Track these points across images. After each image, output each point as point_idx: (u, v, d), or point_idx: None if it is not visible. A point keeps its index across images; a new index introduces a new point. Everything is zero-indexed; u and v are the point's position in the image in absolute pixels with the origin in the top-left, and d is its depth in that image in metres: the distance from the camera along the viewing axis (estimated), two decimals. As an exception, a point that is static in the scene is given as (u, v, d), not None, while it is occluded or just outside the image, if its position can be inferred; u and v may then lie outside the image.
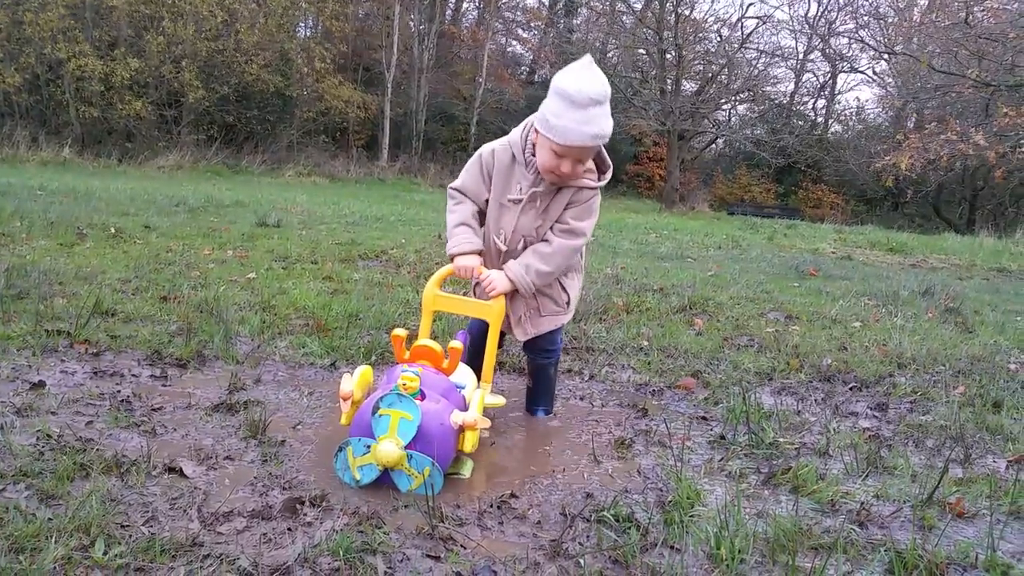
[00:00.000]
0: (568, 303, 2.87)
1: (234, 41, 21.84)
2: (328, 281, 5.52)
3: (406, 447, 2.18)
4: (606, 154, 2.69)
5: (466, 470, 2.42)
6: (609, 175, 2.71)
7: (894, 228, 21.74)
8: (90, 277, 4.90)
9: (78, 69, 19.52)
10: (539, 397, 3.07)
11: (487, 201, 2.76)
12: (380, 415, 2.19)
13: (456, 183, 2.80)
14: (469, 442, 2.35)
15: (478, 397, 2.49)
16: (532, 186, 2.63)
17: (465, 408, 2.47)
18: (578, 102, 2.40)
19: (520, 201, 2.66)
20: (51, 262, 5.21)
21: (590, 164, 2.66)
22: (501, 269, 2.72)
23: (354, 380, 2.39)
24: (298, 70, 23.82)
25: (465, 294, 3.10)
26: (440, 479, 2.20)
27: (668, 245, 10.82)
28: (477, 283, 2.84)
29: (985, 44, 16.42)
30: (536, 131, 2.55)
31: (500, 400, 2.89)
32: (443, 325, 4.21)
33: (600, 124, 2.44)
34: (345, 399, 2.36)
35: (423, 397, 2.29)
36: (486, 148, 2.75)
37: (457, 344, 2.52)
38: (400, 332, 2.49)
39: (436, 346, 2.55)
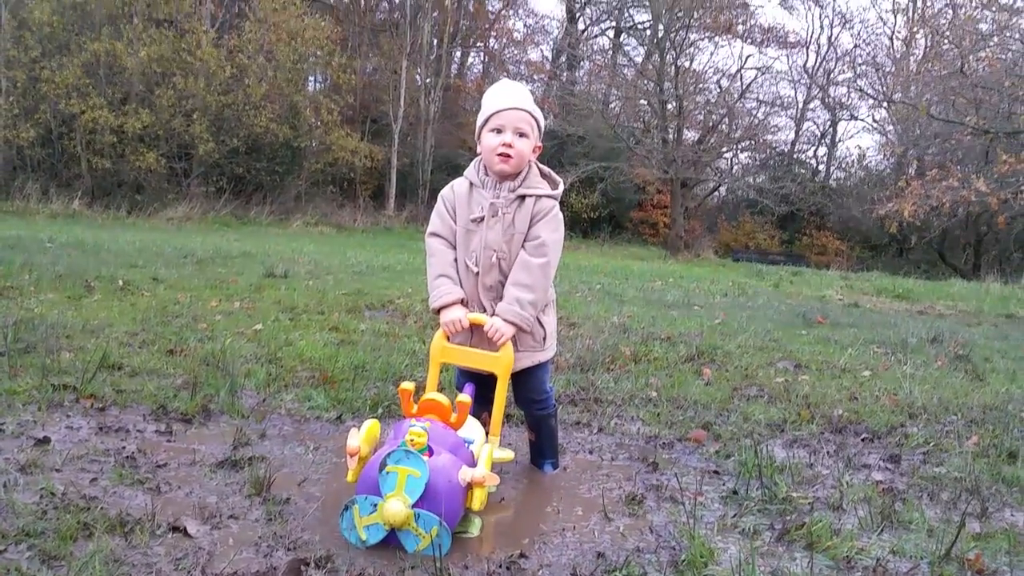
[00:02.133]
0: (545, 338, 2.85)
1: (243, 95, 22.23)
2: (335, 332, 5.52)
3: (413, 505, 2.14)
4: (553, 173, 2.86)
5: (474, 528, 2.38)
6: (561, 187, 2.84)
7: (900, 274, 21.76)
8: (97, 330, 4.90)
9: (91, 122, 19.85)
10: (544, 451, 3.03)
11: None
12: (387, 472, 2.16)
13: (429, 228, 2.87)
14: (478, 500, 2.31)
15: (486, 453, 2.46)
16: (492, 199, 2.73)
17: (474, 464, 2.44)
18: (498, 90, 2.78)
19: (482, 219, 2.73)
20: (58, 315, 5.23)
21: (544, 182, 2.79)
22: (478, 294, 2.75)
23: (361, 435, 2.36)
24: (306, 122, 24.18)
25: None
26: (448, 539, 2.16)
27: (674, 293, 10.81)
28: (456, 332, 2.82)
29: (981, 92, 16.59)
30: (480, 150, 2.79)
31: (509, 454, 2.86)
32: (450, 376, 4.19)
33: (523, 98, 2.75)
34: (352, 455, 2.33)
35: (431, 453, 2.26)
36: (445, 188, 2.89)
37: (465, 398, 2.50)
38: (407, 386, 2.46)
39: (444, 400, 2.52)
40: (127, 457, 2.79)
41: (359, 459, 2.34)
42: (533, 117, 2.73)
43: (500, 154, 2.68)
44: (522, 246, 2.71)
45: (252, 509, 2.42)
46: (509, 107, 2.70)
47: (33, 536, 2.08)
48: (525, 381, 2.86)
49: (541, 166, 2.85)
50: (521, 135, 2.70)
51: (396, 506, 2.11)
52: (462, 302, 2.73)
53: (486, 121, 2.74)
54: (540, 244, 2.70)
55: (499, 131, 2.70)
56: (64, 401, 3.38)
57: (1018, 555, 2.34)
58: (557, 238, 2.74)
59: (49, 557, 1.98)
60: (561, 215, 2.80)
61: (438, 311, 2.74)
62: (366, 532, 2.17)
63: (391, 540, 2.17)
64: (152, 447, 2.94)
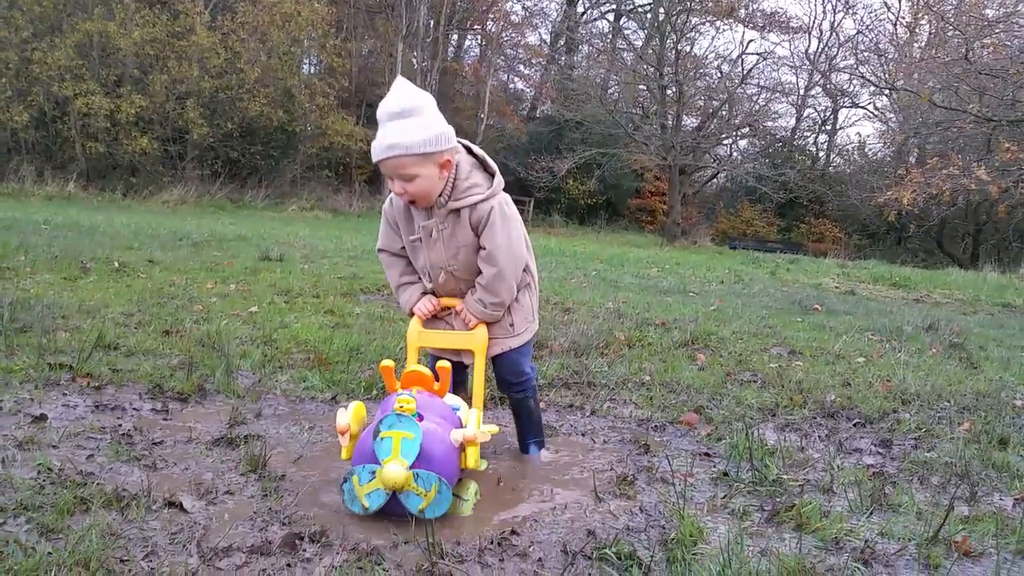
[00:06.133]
0: (513, 325, 2.78)
1: (237, 79, 22.11)
2: (329, 315, 5.53)
3: (411, 466, 2.17)
4: (489, 161, 2.67)
5: (470, 494, 2.40)
6: (497, 180, 2.63)
7: (897, 262, 21.81)
8: (93, 311, 4.91)
9: (85, 106, 19.75)
10: (527, 431, 3.00)
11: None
12: (382, 438, 2.19)
13: (378, 243, 2.85)
14: (472, 458, 2.37)
15: (475, 415, 2.49)
16: (423, 221, 2.64)
17: (462, 428, 2.47)
18: (380, 120, 2.46)
19: (419, 239, 2.67)
20: (54, 296, 5.23)
21: (476, 179, 2.60)
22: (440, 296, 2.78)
23: (349, 414, 2.39)
24: (301, 106, 24.07)
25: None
26: (449, 495, 2.20)
27: (670, 279, 10.83)
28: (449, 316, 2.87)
29: (986, 80, 16.54)
30: None
31: (494, 428, 2.88)
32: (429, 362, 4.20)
33: (396, 135, 2.41)
34: (343, 433, 2.36)
35: (421, 419, 2.29)
36: (386, 202, 2.78)
37: (446, 363, 2.53)
38: (388, 363, 2.49)
39: (426, 370, 2.55)
40: (123, 434, 2.81)
41: (350, 436, 2.37)
42: (414, 155, 2.42)
43: (401, 197, 2.56)
44: (477, 253, 2.65)
45: (248, 485, 2.44)
46: (384, 158, 2.44)
47: (31, 510, 2.10)
48: (500, 364, 2.86)
49: (475, 152, 2.67)
50: (409, 180, 2.47)
51: (395, 468, 2.14)
52: (433, 293, 2.79)
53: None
54: (487, 255, 2.61)
55: (390, 178, 2.52)
56: (61, 380, 3.40)
57: (1004, 538, 2.37)
58: (503, 242, 2.59)
59: (47, 530, 2.00)
60: (505, 211, 2.61)
61: (411, 313, 2.79)
62: (368, 499, 2.19)
63: (394, 507, 2.20)
64: (148, 425, 2.96)
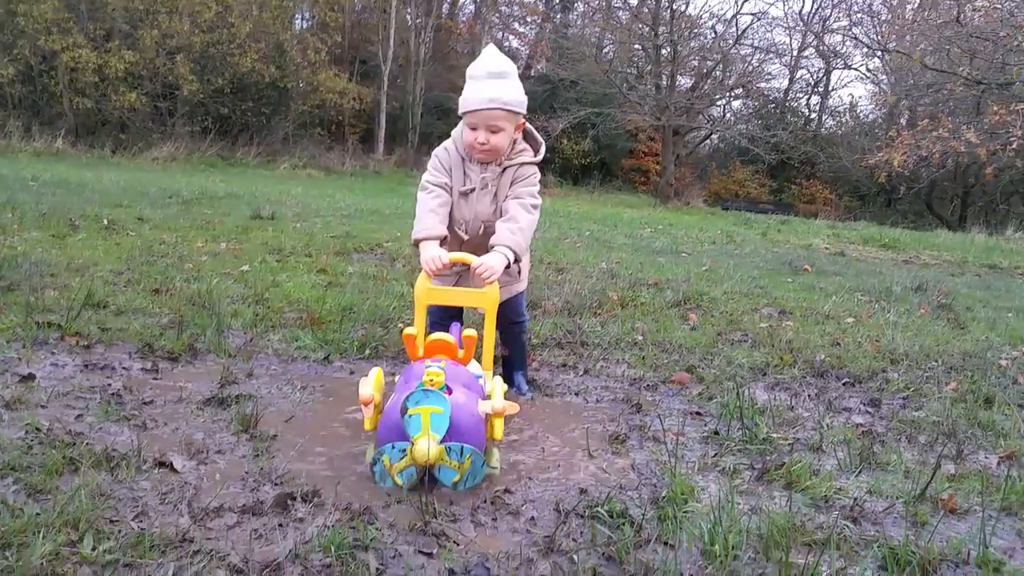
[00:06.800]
0: (519, 272, 3.07)
1: (228, 33, 21.73)
2: (322, 274, 5.50)
3: (441, 441, 2.15)
4: (536, 134, 3.01)
5: (495, 460, 2.39)
6: (543, 151, 3.00)
7: (887, 224, 21.81)
8: (82, 269, 4.87)
9: (72, 60, 19.40)
10: (515, 363, 3.28)
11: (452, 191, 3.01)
12: (410, 415, 2.14)
13: (427, 177, 2.98)
14: (498, 430, 2.41)
15: (499, 386, 2.52)
16: (481, 173, 2.90)
17: (486, 397, 2.48)
18: (476, 76, 2.81)
19: (473, 190, 2.91)
20: (42, 253, 5.18)
21: (525, 145, 2.95)
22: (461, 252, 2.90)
23: (371, 383, 2.37)
24: (293, 61, 23.72)
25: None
26: (482, 465, 2.19)
27: (663, 240, 10.82)
28: (460, 274, 3.03)
29: (976, 43, 16.45)
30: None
31: (514, 407, 2.85)
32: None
33: (496, 90, 2.76)
34: (367, 404, 2.35)
35: (450, 391, 2.28)
36: (440, 147, 3.02)
37: (471, 332, 2.53)
38: (411, 331, 2.52)
39: (450, 338, 2.55)
40: (113, 394, 2.80)
41: (373, 407, 2.36)
42: (508, 110, 2.78)
43: (474, 148, 2.83)
44: (513, 204, 2.90)
45: (239, 445, 2.44)
46: (481, 108, 2.76)
47: (19, 470, 2.08)
48: (507, 306, 3.04)
49: (527, 127, 2.97)
50: (495, 131, 2.79)
51: (427, 444, 2.10)
52: (442, 242, 2.85)
53: (464, 113, 2.83)
54: (528, 204, 2.89)
55: (474, 128, 2.80)
56: (49, 339, 3.37)
57: (989, 495, 2.40)
58: (539, 202, 2.95)
59: (35, 491, 1.99)
60: (539, 178, 2.98)
61: (417, 244, 2.84)
62: (400, 478, 2.17)
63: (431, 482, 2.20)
64: (138, 384, 2.94)
